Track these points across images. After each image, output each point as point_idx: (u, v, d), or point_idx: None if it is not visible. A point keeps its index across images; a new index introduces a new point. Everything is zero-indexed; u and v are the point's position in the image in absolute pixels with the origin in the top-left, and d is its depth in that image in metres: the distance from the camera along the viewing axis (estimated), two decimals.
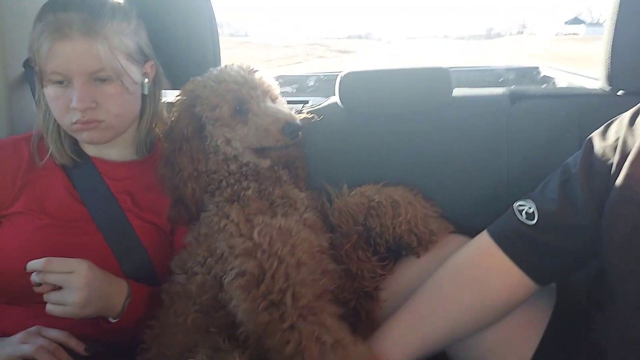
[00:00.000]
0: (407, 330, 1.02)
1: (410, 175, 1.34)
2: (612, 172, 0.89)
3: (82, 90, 1.07)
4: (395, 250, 1.21)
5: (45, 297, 1.00)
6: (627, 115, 0.93)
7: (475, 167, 1.37)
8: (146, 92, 1.22)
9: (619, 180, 0.86)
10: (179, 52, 1.35)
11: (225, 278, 1.03)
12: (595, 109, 1.32)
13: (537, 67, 3.02)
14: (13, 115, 1.42)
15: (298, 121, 1.11)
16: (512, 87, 1.46)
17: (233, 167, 1.17)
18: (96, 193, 1.20)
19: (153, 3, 1.31)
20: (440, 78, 1.38)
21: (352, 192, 1.23)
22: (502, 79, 2.87)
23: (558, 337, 1.03)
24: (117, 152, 1.26)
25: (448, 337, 1.03)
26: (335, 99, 1.42)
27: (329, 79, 2.65)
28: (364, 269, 1.17)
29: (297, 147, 1.24)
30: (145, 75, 1.21)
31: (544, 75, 2.89)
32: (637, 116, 0.90)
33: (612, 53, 1.22)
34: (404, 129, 1.40)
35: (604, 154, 0.92)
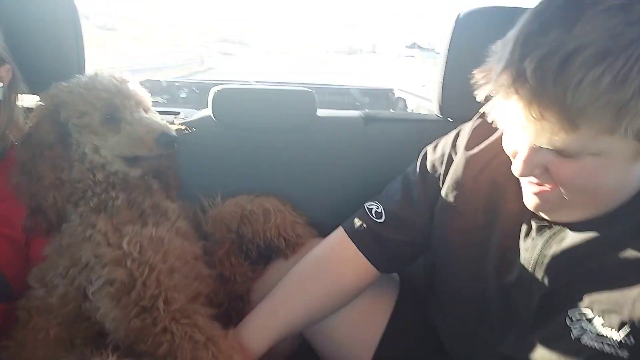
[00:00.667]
0: (268, 317, 1.09)
1: (280, 186, 1.45)
2: (440, 182, 1.08)
3: None
4: (266, 255, 1.29)
5: None
6: (451, 134, 1.14)
7: (336, 178, 1.53)
8: (1, 98, 1.14)
9: (442, 190, 1.06)
10: (39, 55, 1.29)
11: (90, 288, 1.00)
12: (431, 132, 1.56)
13: (392, 89, 3.37)
14: None
15: (173, 132, 1.12)
16: (366, 110, 1.66)
17: (99, 176, 1.13)
18: None
19: (11, 3, 1.24)
20: (306, 99, 1.52)
21: (226, 202, 1.29)
22: (358, 104, 3.16)
23: (402, 318, 1.20)
24: None
25: (306, 320, 1.13)
26: (208, 112, 1.47)
27: (202, 90, 2.67)
28: (236, 273, 1.24)
29: (169, 157, 1.24)
30: (0, 79, 1.13)
31: (398, 97, 3.26)
32: (458, 137, 1.11)
33: (442, 87, 1.44)
34: (275, 143, 1.51)
35: (433, 166, 1.11)
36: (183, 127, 1.33)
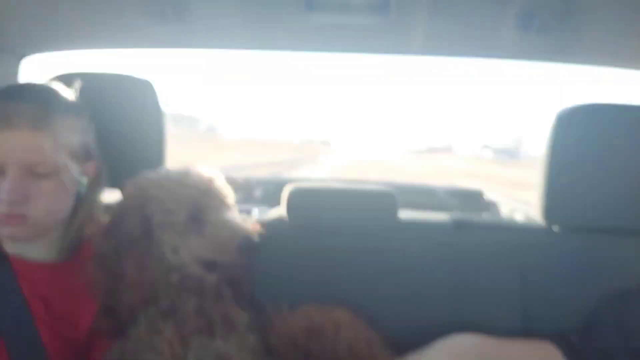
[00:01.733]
0: None
1: (355, 298, 1.30)
2: None
3: (15, 181, 1.00)
4: None
5: None
6: None
7: (420, 293, 1.34)
8: (83, 192, 1.16)
9: None
10: (122, 151, 1.31)
11: None
12: (535, 244, 1.38)
13: (481, 191, 3.16)
14: None
15: (256, 237, 1.04)
16: (456, 213, 1.51)
17: (174, 278, 1.07)
18: (6, 295, 1.07)
19: (97, 99, 1.29)
20: (386, 201, 1.41)
21: (293, 313, 1.17)
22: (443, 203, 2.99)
23: None
24: (39, 251, 1.14)
25: None
26: (281, 212, 1.40)
27: (277, 188, 2.66)
28: None
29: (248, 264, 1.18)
30: (85, 174, 1.16)
31: (488, 201, 3.04)
32: None
33: (546, 191, 1.29)
34: (350, 249, 1.38)
35: None
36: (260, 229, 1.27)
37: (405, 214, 1.46)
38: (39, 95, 1.06)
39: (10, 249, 1.12)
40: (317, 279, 1.34)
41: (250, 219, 1.42)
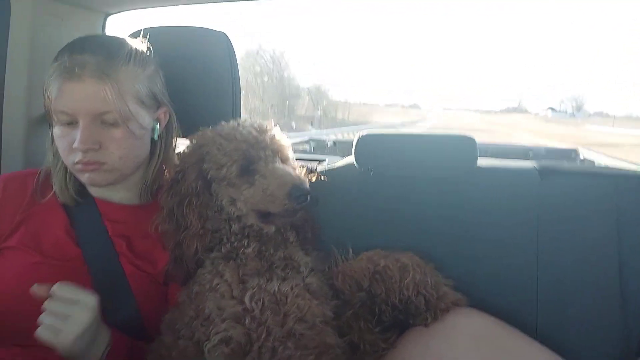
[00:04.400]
0: None
1: (425, 246, 1.24)
2: None
3: (86, 131, 1.06)
4: (401, 321, 1.10)
5: (42, 318, 0.92)
6: None
7: (498, 243, 1.26)
8: (156, 138, 1.21)
9: None
10: (197, 101, 1.34)
11: (207, 344, 0.95)
12: (636, 191, 1.22)
13: (576, 149, 2.94)
14: (30, 152, 1.44)
15: (306, 185, 1.04)
16: (541, 161, 1.38)
17: (235, 227, 1.10)
18: (93, 234, 1.16)
19: (173, 51, 1.32)
20: (465, 146, 1.32)
21: (358, 257, 1.15)
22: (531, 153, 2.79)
23: None
24: (121, 194, 1.23)
25: None
26: (351, 159, 1.37)
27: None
28: (365, 341, 1.06)
29: (308, 208, 1.17)
30: (157, 120, 1.20)
31: (584, 158, 2.80)
32: None
33: None
34: (422, 196, 1.32)
35: None
36: (322, 177, 1.25)
37: (483, 162, 1.36)
38: (101, 47, 1.10)
39: (96, 192, 1.21)
40: (386, 225, 1.31)
41: (318, 167, 1.42)
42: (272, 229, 1.10)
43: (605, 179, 1.28)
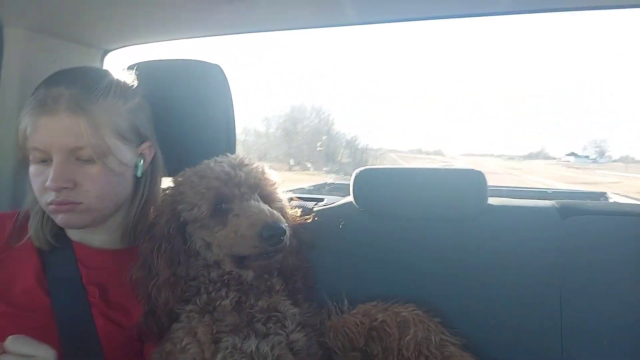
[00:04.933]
0: None
1: (429, 295, 1.11)
2: None
3: (59, 168, 0.99)
4: None
5: None
6: None
7: (515, 292, 1.11)
8: (139, 175, 1.13)
9: None
10: (190, 135, 1.27)
11: None
12: None
13: (605, 193, 2.73)
14: (18, 194, 1.38)
15: (281, 224, 0.93)
16: (562, 200, 1.23)
17: (214, 275, 1.01)
18: (65, 282, 1.08)
19: (166, 84, 1.27)
20: (473, 181, 1.19)
21: (354, 310, 1.02)
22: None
23: None
24: (101, 237, 1.15)
25: None
26: (350, 198, 1.25)
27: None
28: None
29: (298, 254, 1.08)
30: (141, 156, 1.13)
31: (614, 202, 2.59)
32: None
33: None
34: (427, 237, 1.20)
35: None
36: (308, 217, 1.15)
37: (495, 201, 1.23)
38: (77, 79, 1.05)
39: (74, 236, 1.13)
40: (386, 271, 1.18)
41: (315, 208, 1.31)
42: (250, 274, 1.00)
43: (635, 218, 1.13)
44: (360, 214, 1.24)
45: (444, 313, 1.06)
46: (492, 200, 1.19)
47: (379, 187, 1.23)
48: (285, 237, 0.92)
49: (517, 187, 3.00)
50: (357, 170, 1.23)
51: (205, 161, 1.05)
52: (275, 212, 0.95)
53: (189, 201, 1.00)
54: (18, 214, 1.15)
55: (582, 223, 1.14)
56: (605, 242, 1.11)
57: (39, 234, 1.10)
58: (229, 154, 1.09)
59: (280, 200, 1.08)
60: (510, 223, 1.17)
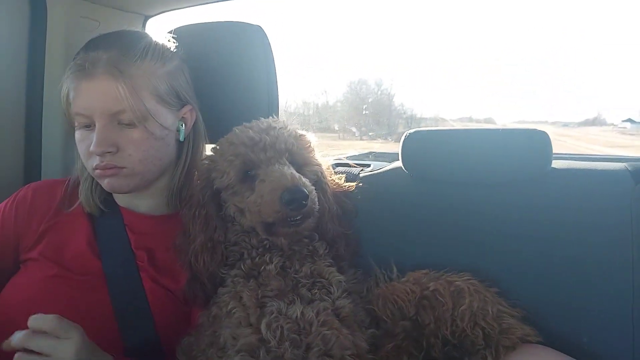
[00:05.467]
0: None
1: (485, 265, 1.04)
2: None
3: (101, 133, 0.99)
4: (454, 359, 0.91)
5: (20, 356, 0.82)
6: None
7: (580, 264, 1.02)
8: (182, 139, 1.11)
9: None
10: (231, 99, 1.24)
11: None
12: None
13: None
14: (69, 160, 1.41)
15: (303, 187, 0.88)
16: (635, 163, 1.12)
17: (254, 240, 0.99)
18: (115, 246, 1.09)
19: (207, 47, 1.23)
20: (535, 143, 1.09)
21: (404, 278, 0.98)
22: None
23: None
24: (148, 202, 1.15)
25: None
26: (399, 163, 1.19)
27: None
28: None
29: (339, 220, 1.05)
30: (182, 120, 1.11)
31: None
32: None
33: None
34: (482, 204, 1.11)
35: None
36: (347, 184, 1.10)
37: (559, 164, 1.13)
38: (115, 43, 1.03)
39: (122, 201, 1.14)
40: (438, 240, 1.11)
41: (361, 173, 1.26)
42: (281, 241, 0.97)
43: None
44: (409, 179, 1.17)
45: (501, 283, 0.99)
46: (555, 164, 1.10)
47: (430, 151, 1.15)
48: (308, 201, 0.88)
49: (583, 154, 2.80)
50: (407, 133, 1.16)
51: (235, 127, 1.02)
52: (297, 175, 0.90)
53: (219, 169, 0.98)
54: (69, 181, 1.16)
55: None
56: None
57: (89, 199, 1.11)
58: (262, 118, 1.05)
59: (318, 164, 1.04)
60: (576, 188, 1.06)
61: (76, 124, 1.04)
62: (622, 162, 1.10)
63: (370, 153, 2.63)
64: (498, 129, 1.18)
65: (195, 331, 0.98)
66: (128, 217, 1.13)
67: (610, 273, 0.99)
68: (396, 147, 1.20)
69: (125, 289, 1.04)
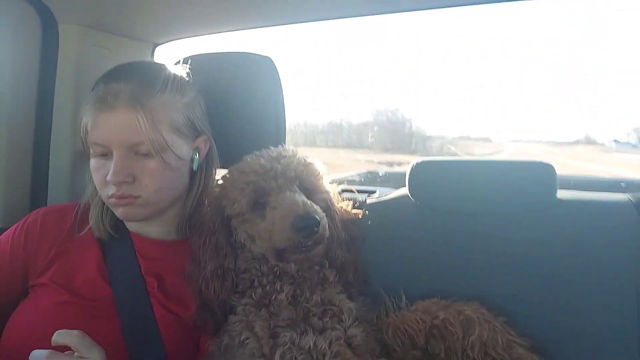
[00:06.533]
0: None
1: (494, 293, 1.06)
2: None
3: (119, 163, 1.00)
4: None
5: None
6: None
7: (588, 291, 1.04)
8: (195, 168, 1.13)
9: None
10: (240, 128, 1.26)
11: None
12: None
13: None
14: (76, 185, 1.42)
15: (314, 214, 0.90)
16: (637, 194, 1.15)
17: (264, 267, 1.00)
18: (125, 272, 1.09)
19: (217, 77, 1.26)
20: (542, 173, 1.12)
21: (413, 307, 0.99)
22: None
23: None
24: (158, 229, 1.16)
25: None
26: (405, 190, 1.22)
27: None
28: None
29: (348, 247, 1.06)
30: (196, 150, 1.13)
31: None
32: None
33: None
34: (489, 233, 1.13)
35: None
36: (356, 211, 1.12)
37: (564, 194, 1.16)
38: (136, 75, 1.05)
39: (132, 227, 1.15)
40: (446, 269, 1.13)
41: (367, 200, 1.28)
42: (292, 268, 0.98)
43: None
44: (416, 207, 1.19)
45: (508, 312, 1.01)
46: (560, 194, 1.13)
47: (437, 180, 1.18)
48: (319, 227, 0.89)
49: (586, 176, 2.82)
50: (414, 162, 1.19)
51: (246, 156, 1.04)
52: (309, 202, 0.92)
53: (230, 197, 1.00)
54: (79, 205, 1.17)
55: None
56: None
57: (99, 225, 1.12)
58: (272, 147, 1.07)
59: (326, 192, 1.06)
60: (581, 218, 1.10)
61: (92, 152, 1.06)
62: (625, 194, 1.13)
63: (369, 173, 2.65)
64: (505, 161, 1.22)
65: (206, 359, 0.98)
66: (138, 242, 1.13)
67: (616, 302, 1.01)
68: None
69: (135, 315, 1.04)
